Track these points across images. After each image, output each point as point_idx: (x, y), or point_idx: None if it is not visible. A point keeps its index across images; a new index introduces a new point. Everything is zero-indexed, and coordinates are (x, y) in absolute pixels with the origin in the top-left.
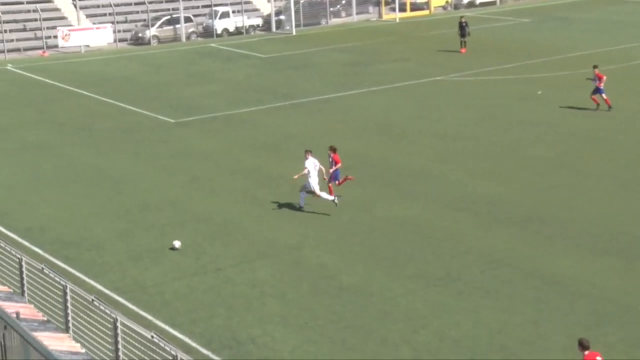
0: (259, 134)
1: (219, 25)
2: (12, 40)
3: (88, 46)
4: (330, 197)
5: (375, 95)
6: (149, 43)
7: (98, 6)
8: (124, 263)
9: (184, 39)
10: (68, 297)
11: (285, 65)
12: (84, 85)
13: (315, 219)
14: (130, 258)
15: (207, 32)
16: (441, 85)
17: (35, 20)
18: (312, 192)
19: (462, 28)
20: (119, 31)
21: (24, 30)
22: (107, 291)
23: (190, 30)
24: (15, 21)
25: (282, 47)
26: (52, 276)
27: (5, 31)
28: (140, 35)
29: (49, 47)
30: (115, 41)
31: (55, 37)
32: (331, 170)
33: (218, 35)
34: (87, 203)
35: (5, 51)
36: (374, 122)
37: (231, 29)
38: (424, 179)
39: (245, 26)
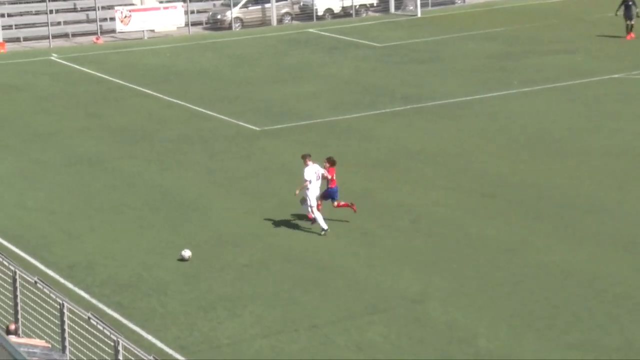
0: (370, 147)
1: (321, 4)
2: (58, 23)
3: (153, 31)
4: (324, 226)
5: (528, 98)
6: (229, 28)
7: None
8: (192, 314)
9: (274, 23)
10: (120, 357)
11: (406, 57)
12: (146, 82)
13: (443, 261)
14: (200, 307)
15: (305, 14)
16: (620, 86)
17: None
18: (306, 209)
19: (628, 8)
20: (191, 12)
21: (74, 10)
22: (170, 350)
23: (284, 11)
24: None
25: (404, 33)
26: (101, 328)
27: (51, 11)
28: (218, 17)
29: (103, 33)
30: (187, 25)
31: (112, 19)
32: (328, 187)
33: (319, 18)
34: (147, 234)
35: (50, 37)
36: (526, 134)
37: (336, 9)
38: (594, 213)
39: (355, 6)
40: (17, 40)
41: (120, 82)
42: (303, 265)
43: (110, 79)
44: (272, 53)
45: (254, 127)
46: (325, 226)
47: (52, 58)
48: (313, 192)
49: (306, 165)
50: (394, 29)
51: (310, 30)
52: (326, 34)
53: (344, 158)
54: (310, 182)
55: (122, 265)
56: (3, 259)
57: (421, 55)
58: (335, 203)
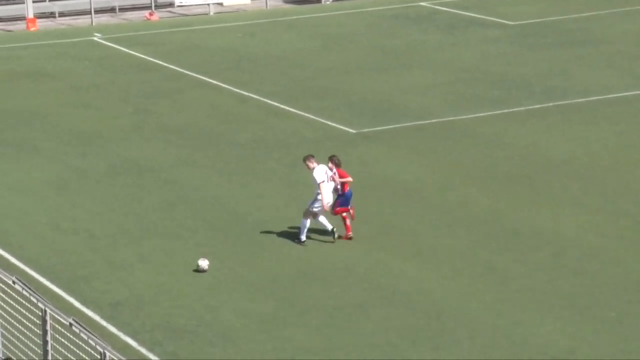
0: (499, 156)
1: None
2: None
3: (221, 5)
4: (328, 226)
5: None
6: (318, 1)
7: None
8: None
9: None
10: None
11: (548, 39)
12: (211, 70)
13: (597, 308)
14: None
15: None
16: None
17: None
18: (313, 214)
19: None
20: None
21: None
22: None
23: None
24: None
25: (544, 7)
26: None
27: None
28: None
29: (159, 7)
30: None
31: None
32: (338, 193)
33: None
34: (211, 265)
35: (92, 12)
36: None
37: None
38: None
39: None
40: (51, 16)
41: (179, 69)
42: (411, 309)
43: (167, 65)
44: (373, 33)
45: (348, 129)
46: (303, 238)
47: (95, 39)
48: (328, 194)
49: (310, 166)
50: (530, 2)
51: (422, 3)
52: (442, 8)
53: (465, 170)
54: (322, 182)
55: (179, 306)
56: (31, 294)
57: (567, 36)
58: (336, 210)
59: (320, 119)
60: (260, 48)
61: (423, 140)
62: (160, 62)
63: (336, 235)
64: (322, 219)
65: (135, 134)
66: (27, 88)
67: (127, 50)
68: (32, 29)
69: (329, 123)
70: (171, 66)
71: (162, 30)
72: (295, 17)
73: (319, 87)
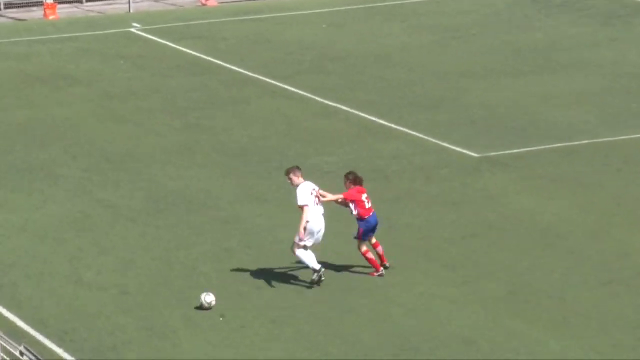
0: None
1: None
2: None
3: None
4: (315, 265)
5: None
6: None
7: None
8: None
9: None
10: None
11: None
12: (286, 72)
13: None
14: None
15: None
16: None
17: None
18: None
19: None
20: None
21: None
22: None
23: None
24: None
25: None
26: None
27: None
28: None
29: None
30: None
31: None
32: (357, 219)
33: None
34: (284, 334)
35: None
36: None
37: None
38: None
39: None
40: (76, 0)
41: (244, 71)
42: None
43: (227, 66)
44: (503, 24)
45: (468, 152)
46: (316, 266)
47: (133, 30)
48: (313, 224)
49: (294, 183)
50: None
51: None
52: None
53: (628, 208)
54: (307, 206)
55: None
56: None
57: None
58: (373, 238)
59: (431, 139)
60: (352, 43)
61: (571, 167)
62: (219, 62)
63: (321, 278)
64: (308, 254)
65: (184, 158)
66: (44, 95)
67: (174, 46)
68: (52, 17)
69: (443, 144)
70: (233, 67)
71: (222, 19)
72: (399, 1)
73: (430, 97)
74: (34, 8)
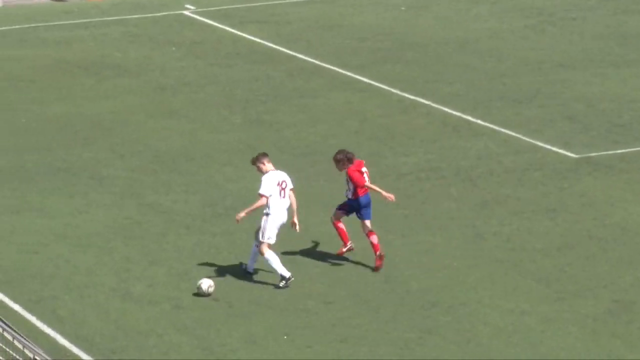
0: None
1: None
2: None
3: None
4: (285, 273)
5: None
6: None
7: None
8: None
9: None
10: None
11: None
12: (359, 61)
13: None
14: None
15: None
16: None
17: None
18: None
19: None
20: None
21: None
22: None
23: None
24: None
25: None
26: None
27: None
28: None
29: None
30: None
31: None
32: (348, 197)
33: None
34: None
35: None
36: None
37: None
38: None
39: None
40: None
41: (311, 60)
42: None
43: (293, 54)
44: (605, 6)
45: (566, 152)
46: (286, 274)
47: (186, 13)
48: (275, 217)
49: (261, 169)
50: None
51: None
52: None
53: None
54: (270, 197)
55: None
56: None
57: None
58: (368, 224)
59: (523, 137)
60: (433, 29)
61: None
62: (284, 50)
63: (281, 286)
64: (275, 259)
65: (244, 157)
66: (87, 86)
67: (233, 31)
68: None
69: (537, 143)
70: (300, 55)
71: (288, 1)
72: None
73: (523, 89)
74: None
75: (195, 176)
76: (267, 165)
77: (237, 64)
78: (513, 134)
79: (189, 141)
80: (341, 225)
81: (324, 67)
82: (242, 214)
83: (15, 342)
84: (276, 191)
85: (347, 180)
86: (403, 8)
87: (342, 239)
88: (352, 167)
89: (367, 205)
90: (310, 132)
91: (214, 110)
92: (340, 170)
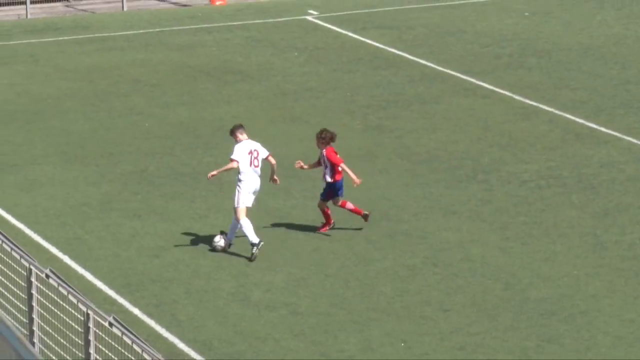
0: None
1: None
2: None
3: None
4: (255, 239)
5: None
6: None
7: None
8: None
9: None
10: None
11: None
12: (482, 67)
13: None
14: None
15: None
16: None
17: None
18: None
19: None
20: None
21: None
22: None
23: None
24: None
25: None
26: None
27: None
28: None
29: None
30: None
31: None
32: (327, 180)
33: None
34: None
35: None
36: None
37: None
38: None
39: None
40: None
41: (433, 66)
42: None
43: (415, 59)
44: None
45: None
46: (255, 239)
47: (308, 18)
48: (247, 184)
49: (236, 140)
50: None
51: None
52: None
53: None
54: (240, 164)
55: None
56: None
57: None
58: (339, 202)
59: None
60: (558, 34)
61: None
62: (406, 55)
63: (255, 253)
64: (249, 225)
65: (364, 163)
66: (209, 91)
67: (355, 36)
68: (219, 2)
69: None
70: (421, 61)
71: (409, 6)
72: None
73: None
74: None
75: (314, 182)
76: (241, 136)
77: (359, 70)
78: (636, 141)
79: (309, 147)
80: (329, 211)
81: (446, 73)
82: (214, 172)
83: (134, 346)
84: (247, 159)
85: (324, 160)
86: (526, 14)
87: (326, 219)
88: (330, 148)
89: (342, 186)
90: (431, 139)
91: (334, 116)
92: (319, 148)
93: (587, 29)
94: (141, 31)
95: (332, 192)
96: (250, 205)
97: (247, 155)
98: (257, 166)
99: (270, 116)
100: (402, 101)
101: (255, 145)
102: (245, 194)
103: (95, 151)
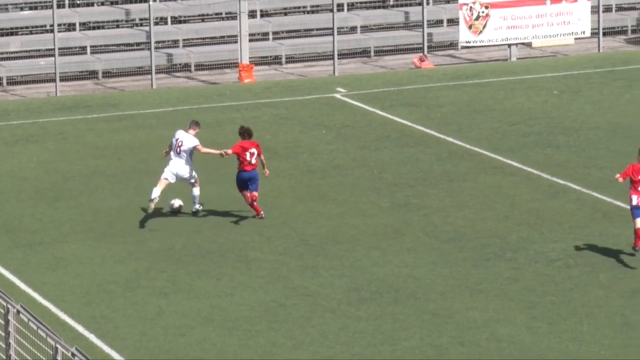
0: None
1: None
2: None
3: (529, 45)
4: (153, 194)
5: None
6: None
7: None
8: None
9: None
10: None
11: None
12: (510, 144)
13: None
14: None
15: None
16: None
17: None
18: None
19: None
20: (605, 10)
21: (381, 4)
22: None
23: None
24: None
25: None
26: None
27: (339, 7)
28: None
29: (434, 48)
30: (596, 34)
31: (452, 22)
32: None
33: None
34: None
35: (335, 56)
36: None
37: None
38: None
39: None
40: (275, 61)
41: (461, 144)
42: None
43: (443, 137)
44: None
45: None
46: (153, 195)
47: (337, 95)
48: (170, 166)
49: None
50: None
51: None
52: None
53: None
54: (169, 151)
55: None
56: None
57: None
58: (249, 194)
59: None
60: (586, 112)
61: None
62: (434, 133)
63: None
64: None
65: (391, 241)
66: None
67: (383, 114)
68: (248, 80)
69: None
70: (449, 138)
71: (438, 84)
72: None
73: None
74: (228, 70)
75: (341, 260)
76: (195, 130)
77: (387, 147)
78: None
79: (336, 225)
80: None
81: (474, 151)
82: (161, 179)
83: None
84: (172, 147)
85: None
86: (555, 92)
87: (257, 210)
88: (242, 142)
89: (251, 179)
90: (458, 216)
91: (362, 194)
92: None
93: (615, 107)
94: (170, 109)
95: (242, 182)
96: (170, 179)
97: (173, 141)
98: (179, 152)
99: (298, 194)
100: (430, 179)
101: (180, 134)
102: (166, 172)
103: (122, 229)
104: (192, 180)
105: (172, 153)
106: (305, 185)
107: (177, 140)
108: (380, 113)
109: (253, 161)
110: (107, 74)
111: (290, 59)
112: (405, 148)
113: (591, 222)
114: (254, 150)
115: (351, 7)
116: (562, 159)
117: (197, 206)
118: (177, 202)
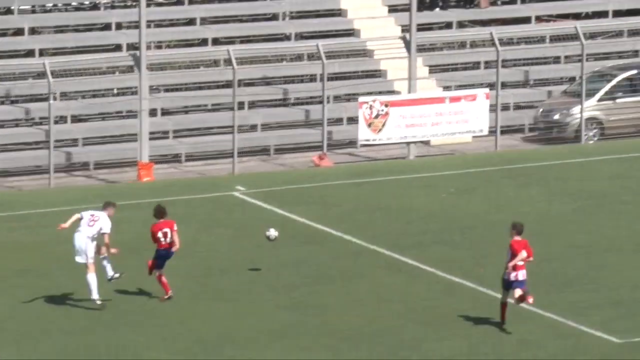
0: None
1: None
2: (251, 128)
3: (427, 143)
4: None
5: None
6: (575, 139)
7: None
8: None
9: None
10: None
11: None
12: (407, 242)
13: None
14: None
15: None
16: None
17: (301, 78)
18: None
19: None
20: (503, 108)
21: (281, 103)
22: None
23: None
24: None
25: None
26: None
27: (240, 105)
28: (557, 118)
29: (333, 146)
30: (493, 132)
31: (351, 121)
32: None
33: None
34: None
35: (235, 154)
36: None
37: None
38: None
39: None
40: (175, 159)
41: (359, 242)
42: None
43: (341, 235)
44: None
45: (609, 337)
46: (94, 295)
47: (236, 194)
48: (78, 237)
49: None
50: None
51: None
52: None
53: None
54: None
55: None
56: None
57: None
58: (157, 274)
59: (568, 322)
60: (482, 211)
61: None
62: (331, 231)
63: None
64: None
65: (287, 340)
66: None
67: (282, 212)
68: (147, 179)
69: (582, 328)
70: (346, 237)
71: (337, 182)
72: (537, 163)
73: (569, 273)
74: (127, 169)
75: None
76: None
77: (284, 246)
78: (557, 318)
79: (232, 324)
80: (163, 279)
81: (370, 249)
82: (66, 224)
83: None
84: (84, 219)
85: None
86: (452, 190)
87: (165, 288)
88: (156, 223)
89: (168, 257)
90: (354, 315)
91: (259, 293)
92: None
93: (511, 205)
94: (67, 208)
95: (160, 259)
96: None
97: (87, 216)
98: (90, 225)
99: (194, 293)
100: (327, 277)
101: (90, 214)
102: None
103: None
104: (91, 262)
105: (82, 225)
106: (202, 284)
107: (92, 215)
108: (279, 211)
109: (168, 240)
110: (4, 173)
111: (190, 157)
112: (303, 246)
113: (486, 321)
114: (166, 230)
115: (252, 105)
116: (459, 257)
117: (116, 274)
118: (273, 233)
